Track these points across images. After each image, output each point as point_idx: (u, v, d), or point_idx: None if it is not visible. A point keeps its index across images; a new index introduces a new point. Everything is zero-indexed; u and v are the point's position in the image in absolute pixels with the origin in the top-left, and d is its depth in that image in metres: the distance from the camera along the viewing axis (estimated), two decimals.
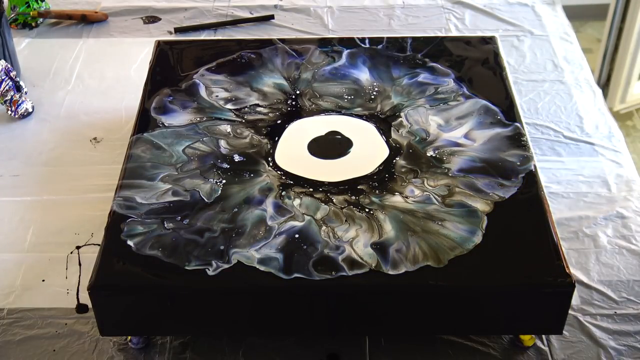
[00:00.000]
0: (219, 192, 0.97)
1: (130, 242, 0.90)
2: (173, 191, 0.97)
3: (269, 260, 0.87)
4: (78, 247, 1.06)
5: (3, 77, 1.26)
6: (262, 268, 0.87)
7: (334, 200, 0.95)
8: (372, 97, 1.13)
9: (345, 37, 1.29)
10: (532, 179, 0.98)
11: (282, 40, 1.24)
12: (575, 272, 1.02)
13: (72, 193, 1.15)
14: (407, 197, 0.95)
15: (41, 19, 1.55)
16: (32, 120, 1.30)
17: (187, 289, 0.87)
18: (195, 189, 0.97)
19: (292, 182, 0.98)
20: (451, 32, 1.50)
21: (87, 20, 1.55)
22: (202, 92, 1.13)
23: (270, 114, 1.10)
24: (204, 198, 0.96)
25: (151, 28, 1.54)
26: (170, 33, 1.52)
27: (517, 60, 1.42)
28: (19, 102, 1.29)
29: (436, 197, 0.95)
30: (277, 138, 1.06)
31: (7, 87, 1.27)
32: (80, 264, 1.04)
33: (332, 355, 0.93)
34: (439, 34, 1.48)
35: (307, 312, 0.89)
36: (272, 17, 1.55)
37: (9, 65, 1.28)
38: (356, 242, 0.89)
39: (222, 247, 0.89)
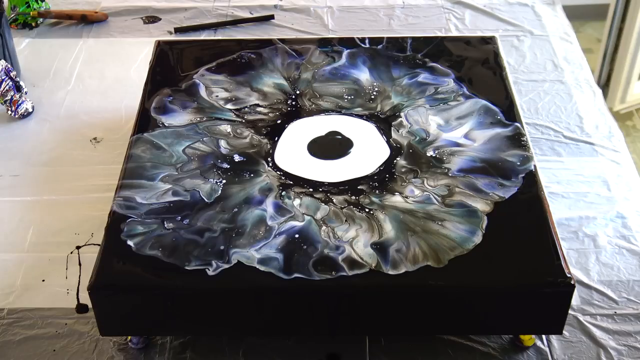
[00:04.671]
0: (219, 192, 0.97)
1: (130, 242, 0.90)
2: (173, 191, 0.97)
3: (269, 260, 0.87)
4: (78, 247, 1.06)
5: (3, 77, 1.26)
6: (262, 268, 0.87)
7: (334, 201, 0.95)
8: (372, 97, 1.13)
9: (345, 37, 1.29)
10: (532, 179, 0.98)
11: (282, 40, 1.24)
12: (575, 272, 1.02)
13: (72, 193, 1.15)
14: (407, 197, 0.95)
15: (41, 19, 1.55)
16: (32, 120, 1.30)
17: (187, 289, 0.87)
18: (195, 189, 0.97)
19: (291, 182, 0.98)
20: (451, 32, 1.50)
21: (87, 20, 1.55)
22: (202, 92, 1.13)
23: (270, 114, 1.10)
24: (204, 198, 0.96)
25: (151, 28, 1.54)
26: (170, 33, 1.52)
27: (517, 60, 1.42)
28: (19, 102, 1.29)
29: (436, 197, 0.95)
30: (277, 138, 1.06)
31: (7, 87, 1.27)
32: (80, 264, 1.04)
33: (332, 355, 0.93)
34: (439, 34, 1.48)
35: (307, 312, 0.89)
36: (272, 17, 1.55)
37: (9, 65, 1.28)
38: (356, 242, 0.89)
39: (222, 247, 0.89)
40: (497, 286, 0.86)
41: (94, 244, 1.06)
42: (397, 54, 1.20)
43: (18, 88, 1.28)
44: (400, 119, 1.09)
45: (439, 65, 1.17)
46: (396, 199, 0.95)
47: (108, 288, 0.87)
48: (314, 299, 0.87)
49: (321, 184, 0.98)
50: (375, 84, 1.15)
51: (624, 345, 0.94)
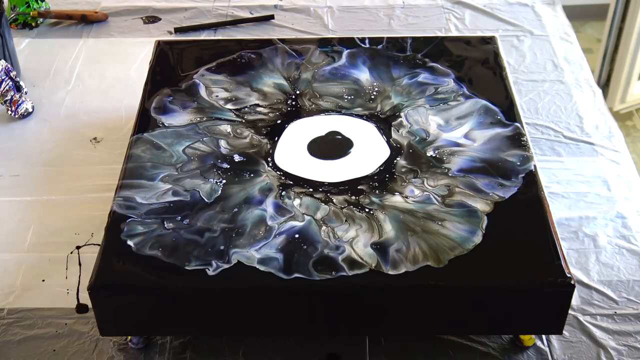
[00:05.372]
0: (219, 192, 0.97)
1: (130, 242, 0.90)
2: (173, 191, 0.97)
3: (269, 260, 0.87)
4: (78, 247, 1.06)
5: (3, 77, 1.26)
6: (262, 268, 0.87)
7: (334, 201, 0.95)
8: (372, 97, 1.13)
9: (345, 37, 1.29)
10: (532, 179, 0.98)
11: (282, 40, 1.24)
12: (575, 272, 1.02)
13: (72, 193, 1.15)
14: (407, 197, 0.95)
15: (41, 19, 1.55)
16: (32, 120, 1.30)
17: (187, 289, 0.87)
18: (195, 189, 0.97)
19: (291, 182, 0.98)
20: (451, 32, 1.50)
21: (87, 20, 1.55)
22: (202, 92, 1.13)
23: (270, 114, 1.10)
24: (204, 198, 0.96)
25: (151, 28, 1.54)
26: (170, 33, 1.52)
27: (517, 60, 1.42)
28: (19, 102, 1.29)
29: (436, 197, 0.95)
30: (277, 138, 1.06)
31: (7, 87, 1.27)
32: (80, 264, 1.04)
33: (332, 355, 0.93)
34: (439, 34, 1.48)
35: (307, 312, 0.89)
36: (272, 17, 1.55)
37: (9, 65, 1.28)
38: (356, 242, 0.89)
39: (222, 247, 0.89)
40: (497, 286, 0.86)
41: (94, 244, 1.06)
42: (397, 54, 1.20)
43: (18, 88, 1.28)
44: (400, 119, 1.08)
45: (439, 65, 1.17)
46: (396, 199, 0.95)
47: (108, 288, 0.87)
48: (314, 299, 0.87)
49: (321, 184, 0.98)
50: (375, 84, 1.15)
51: (624, 345, 0.94)
